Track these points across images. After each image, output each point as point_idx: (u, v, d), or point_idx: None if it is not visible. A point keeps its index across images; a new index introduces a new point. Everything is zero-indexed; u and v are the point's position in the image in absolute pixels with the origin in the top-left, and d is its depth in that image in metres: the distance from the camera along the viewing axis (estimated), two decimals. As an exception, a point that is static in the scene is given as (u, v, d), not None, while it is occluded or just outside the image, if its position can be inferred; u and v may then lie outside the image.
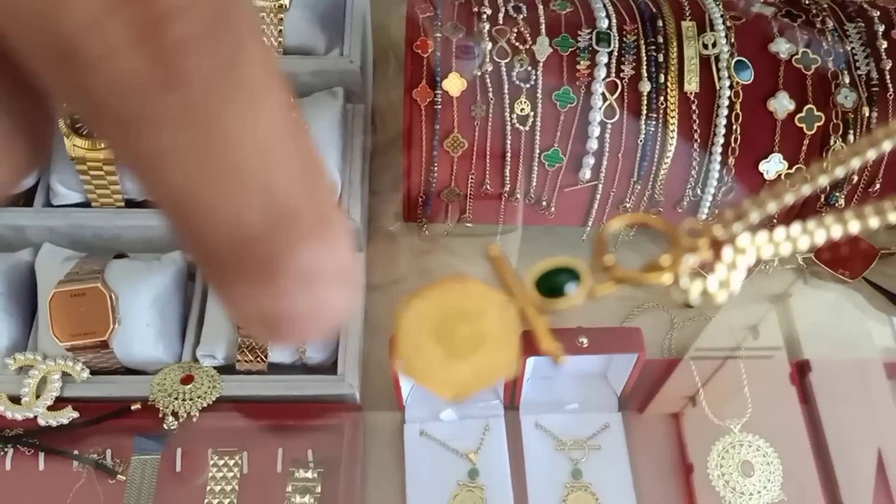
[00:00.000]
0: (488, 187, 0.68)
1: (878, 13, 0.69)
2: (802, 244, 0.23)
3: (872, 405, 0.67)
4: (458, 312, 0.15)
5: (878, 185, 0.68)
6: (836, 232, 0.23)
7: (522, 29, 0.67)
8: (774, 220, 0.68)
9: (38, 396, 0.64)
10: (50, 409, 0.64)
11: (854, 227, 0.23)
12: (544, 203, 0.69)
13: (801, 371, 0.69)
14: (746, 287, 0.72)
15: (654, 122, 0.65)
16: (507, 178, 0.67)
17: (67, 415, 0.64)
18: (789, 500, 0.62)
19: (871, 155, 0.25)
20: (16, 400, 0.64)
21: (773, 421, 0.65)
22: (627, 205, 0.69)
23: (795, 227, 0.23)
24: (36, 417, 0.64)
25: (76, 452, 0.65)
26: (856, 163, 0.25)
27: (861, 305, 0.75)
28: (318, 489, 0.64)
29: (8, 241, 0.69)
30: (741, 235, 0.22)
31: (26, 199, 0.70)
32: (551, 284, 0.17)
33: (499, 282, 0.17)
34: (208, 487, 0.65)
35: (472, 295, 0.16)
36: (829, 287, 0.76)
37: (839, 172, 0.25)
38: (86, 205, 0.70)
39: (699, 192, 0.68)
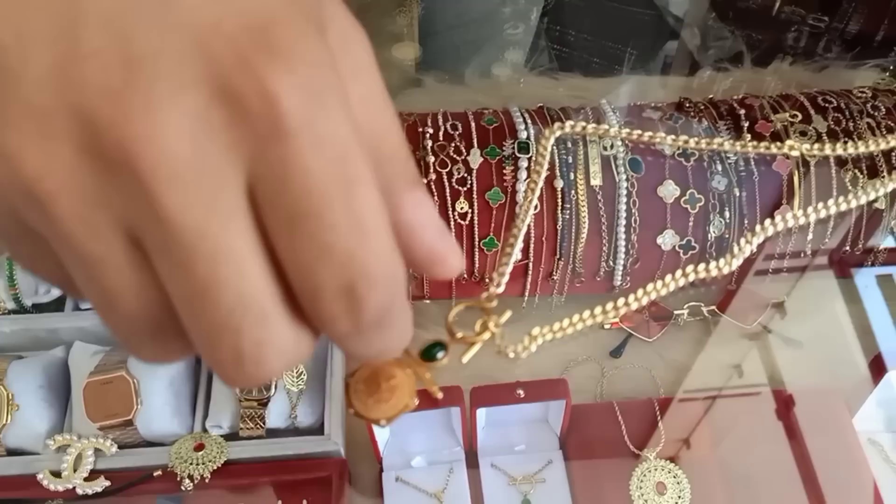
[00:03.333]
0: (440, 271, 0.83)
1: (745, 111, 0.86)
2: (570, 333, 0.37)
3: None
4: (378, 376, 0.29)
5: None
6: (611, 319, 0.37)
7: (458, 143, 0.83)
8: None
9: (75, 470, 0.77)
10: (86, 480, 0.77)
11: (612, 317, 0.37)
12: (487, 280, 0.84)
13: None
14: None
15: (568, 211, 0.81)
16: (455, 263, 0.82)
17: (101, 484, 0.77)
18: (699, 513, 0.75)
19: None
20: (56, 474, 0.77)
21: (683, 448, 0.79)
22: (555, 277, 0.84)
23: (576, 316, 0.37)
24: (74, 488, 0.76)
25: (109, 516, 0.77)
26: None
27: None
28: (313, 533, 0.77)
29: (44, 341, 0.83)
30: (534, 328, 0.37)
31: (58, 304, 0.84)
32: (429, 354, 0.32)
33: (402, 357, 0.31)
34: (221, 538, 0.77)
35: (386, 367, 0.30)
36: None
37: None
38: (108, 306, 0.84)
39: (612, 263, 0.83)
